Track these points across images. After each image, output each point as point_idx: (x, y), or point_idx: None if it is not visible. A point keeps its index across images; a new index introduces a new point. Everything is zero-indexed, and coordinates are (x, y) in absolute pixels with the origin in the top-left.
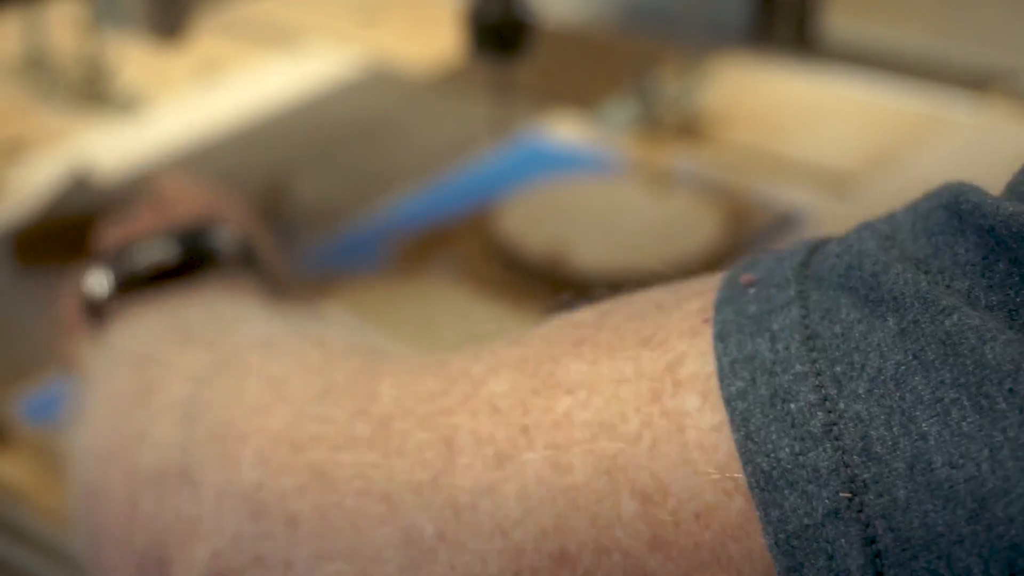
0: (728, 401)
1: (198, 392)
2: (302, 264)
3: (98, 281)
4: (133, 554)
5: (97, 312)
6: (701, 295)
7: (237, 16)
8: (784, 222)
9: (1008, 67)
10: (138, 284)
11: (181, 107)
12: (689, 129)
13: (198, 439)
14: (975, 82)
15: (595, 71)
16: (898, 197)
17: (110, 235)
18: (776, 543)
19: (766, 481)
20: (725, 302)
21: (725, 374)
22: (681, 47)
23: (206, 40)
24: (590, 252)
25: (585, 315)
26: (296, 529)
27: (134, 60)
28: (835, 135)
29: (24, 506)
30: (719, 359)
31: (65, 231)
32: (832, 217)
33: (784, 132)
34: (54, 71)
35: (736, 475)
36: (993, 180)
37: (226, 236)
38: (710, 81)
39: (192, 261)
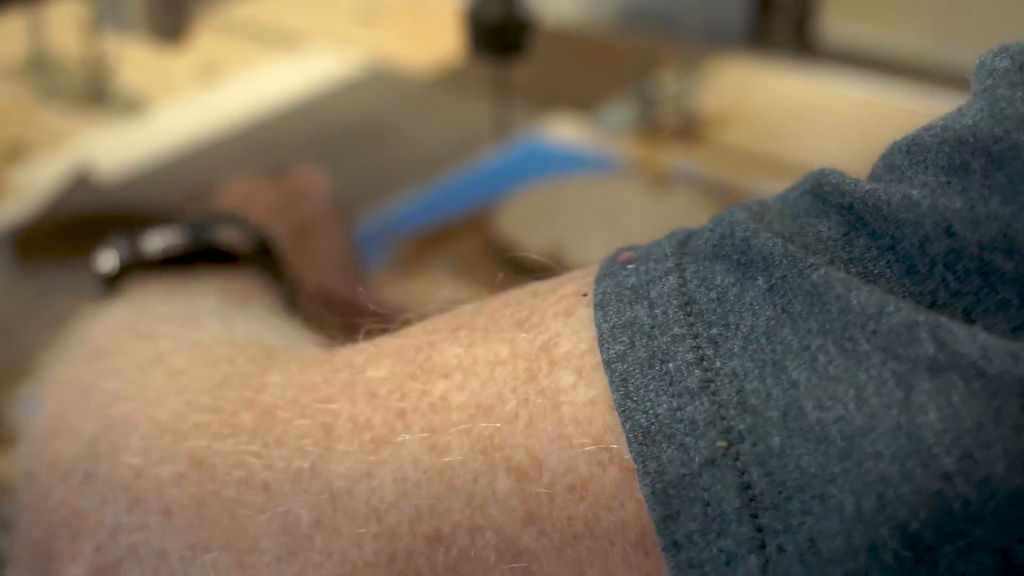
0: (608, 363)
1: (113, 386)
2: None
3: (108, 259)
4: (29, 546)
5: (109, 290)
6: (576, 280)
7: (237, 16)
8: None
9: None
10: (146, 267)
11: (182, 107)
12: (688, 130)
13: (101, 432)
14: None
15: (594, 72)
16: None
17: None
18: (653, 493)
19: (644, 436)
20: (605, 276)
21: (604, 339)
22: (680, 48)
23: (206, 41)
24: (589, 252)
25: (465, 306)
26: (171, 519)
27: (135, 61)
28: (833, 136)
29: None
30: (599, 325)
31: (67, 231)
32: None
33: (782, 133)
34: (56, 72)
35: (612, 446)
36: None
37: (242, 233)
38: (709, 82)
39: (201, 251)
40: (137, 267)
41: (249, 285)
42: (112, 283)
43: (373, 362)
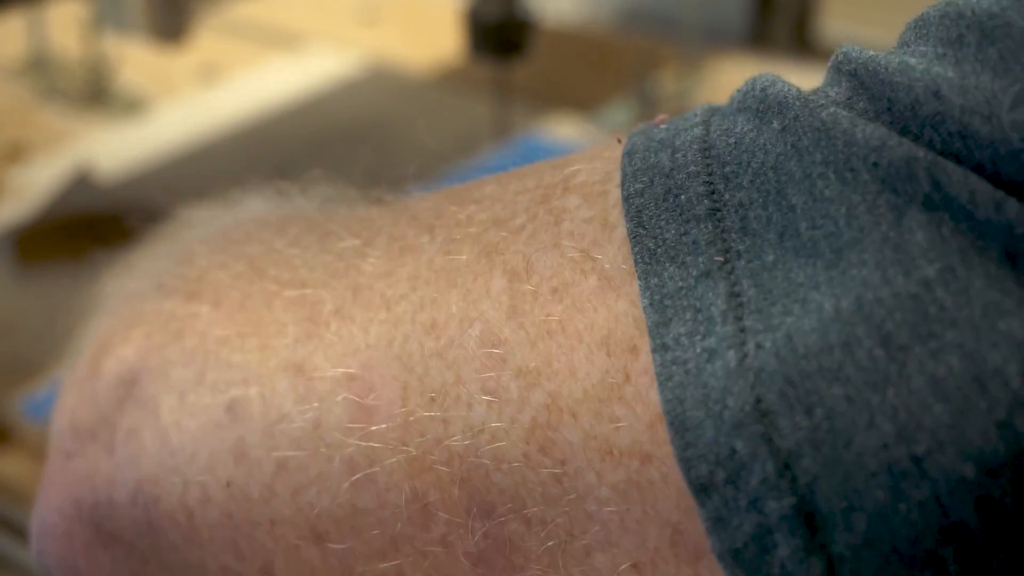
0: (627, 199)
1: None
2: None
3: None
4: (88, 355)
5: None
6: (612, 147)
7: (237, 16)
8: None
9: None
10: None
11: (182, 107)
12: None
13: (170, 245)
14: None
15: (594, 72)
16: None
17: None
18: (651, 304)
19: (650, 256)
20: (638, 133)
21: (627, 180)
22: (680, 48)
23: (207, 41)
24: None
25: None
26: (218, 309)
27: (135, 61)
28: None
29: (26, 504)
30: (623, 170)
31: (67, 231)
32: None
33: None
34: (56, 72)
35: (596, 256)
36: None
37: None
38: (709, 82)
39: None
40: None
41: None
42: None
43: (423, 198)
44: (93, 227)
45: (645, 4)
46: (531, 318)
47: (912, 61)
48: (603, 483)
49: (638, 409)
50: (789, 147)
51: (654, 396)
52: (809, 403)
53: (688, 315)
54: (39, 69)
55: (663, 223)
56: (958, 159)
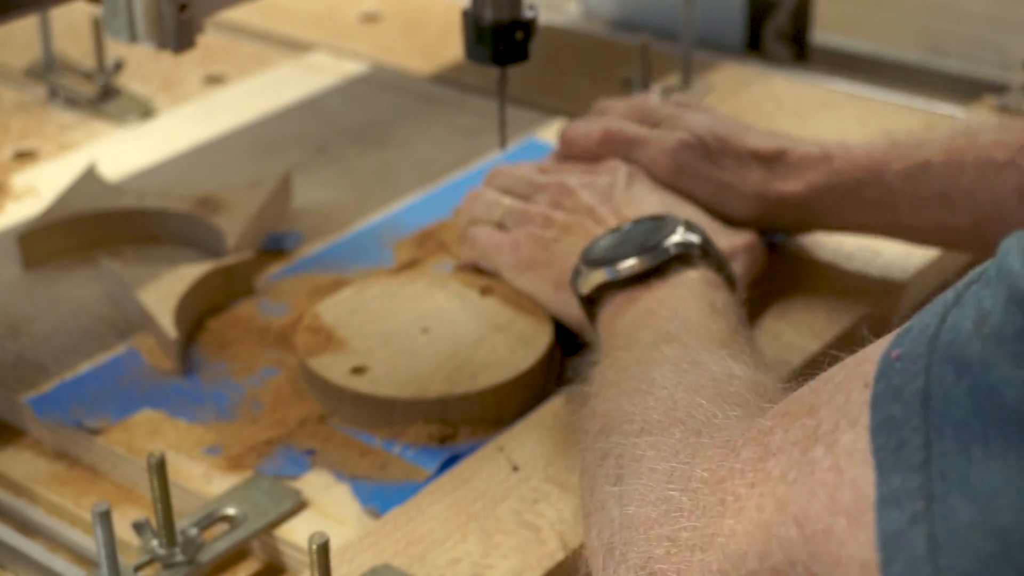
0: (875, 453)
1: (619, 475)
2: (305, 266)
3: (586, 282)
4: None
5: (587, 307)
6: (864, 371)
7: (242, 21)
8: None
9: (996, 79)
10: (617, 286)
11: (187, 111)
12: None
13: (620, 524)
14: (964, 93)
15: (594, 73)
16: None
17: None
18: (881, 545)
19: (882, 502)
20: (880, 376)
21: (874, 432)
22: (677, 55)
23: (212, 45)
24: None
25: (799, 391)
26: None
27: (142, 65)
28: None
29: (35, 501)
30: (872, 420)
31: (75, 232)
32: None
33: None
34: (64, 76)
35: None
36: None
37: (686, 235)
38: (705, 87)
39: (662, 264)
40: (610, 286)
41: (694, 278)
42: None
43: (745, 446)
44: (101, 229)
45: (641, 11)
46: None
47: None
48: None
49: None
50: (973, 405)
51: None
52: None
53: (904, 556)
54: (47, 73)
55: (892, 472)
56: None
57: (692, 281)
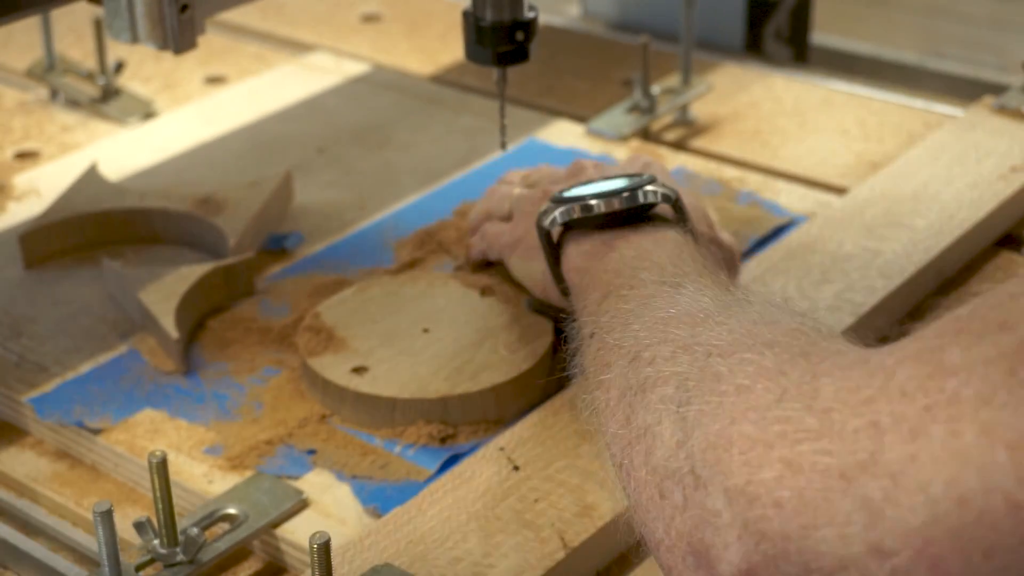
0: None
1: (685, 398)
2: (305, 266)
3: (552, 219)
4: (679, 536)
5: (550, 239)
6: None
7: (242, 21)
8: (779, 226)
9: (995, 80)
10: (584, 224)
11: (188, 111)
12: (684, 134)
13: (696, 446)
14: (963, 94)
15: (594, 74)
16: (887, 203)
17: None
18: None
19: None
20: None
21: None
22: (677, 54)
23: (211, 45)
24: None
25: (964, 308)
26: (781, 509)
27: (143, 66)
28: (827, 143)
29: (36, 501)
30: None
31: (76, 232)
32: (825, 221)
33: (777, 139)
34: (65, 77)
35: None
36: (978, 191)
37: (659, 189)
38: (707, 87)
39: (631, 210)
40: (576, 224)
41: (676, 237)
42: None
43: (900, 364)
44: (102, 229)
45: (641, 11)
46: None
47: None
48: None
49: None
50: None
51: None
52: None
53: None
54: (48, 74)
55: None
56: None
57: (676, 240)
